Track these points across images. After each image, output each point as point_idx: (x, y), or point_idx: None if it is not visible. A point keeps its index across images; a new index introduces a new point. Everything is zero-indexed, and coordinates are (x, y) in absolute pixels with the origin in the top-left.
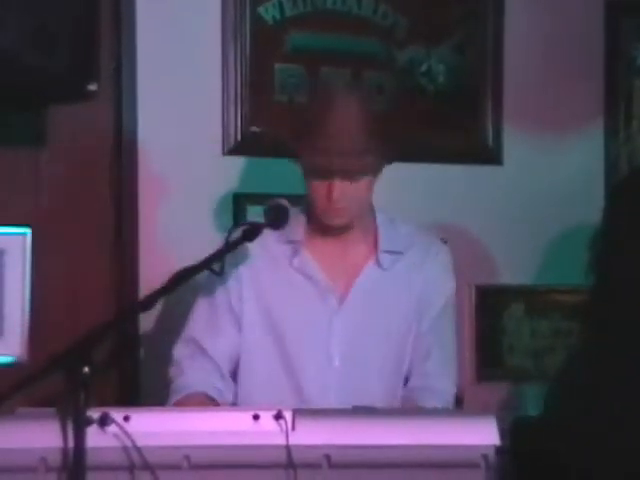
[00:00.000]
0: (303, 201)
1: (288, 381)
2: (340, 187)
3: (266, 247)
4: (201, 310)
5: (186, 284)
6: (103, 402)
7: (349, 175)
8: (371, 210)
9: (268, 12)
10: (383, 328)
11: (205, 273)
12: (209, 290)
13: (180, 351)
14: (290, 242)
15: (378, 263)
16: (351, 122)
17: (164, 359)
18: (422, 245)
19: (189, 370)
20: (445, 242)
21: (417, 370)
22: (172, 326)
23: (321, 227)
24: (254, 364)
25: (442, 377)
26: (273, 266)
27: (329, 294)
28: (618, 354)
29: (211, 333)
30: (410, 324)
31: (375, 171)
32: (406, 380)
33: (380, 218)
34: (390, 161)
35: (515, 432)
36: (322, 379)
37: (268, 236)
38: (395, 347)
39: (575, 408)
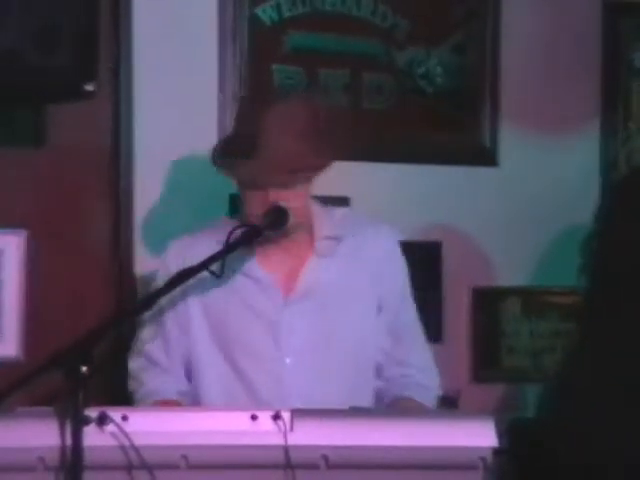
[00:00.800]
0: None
1: (241, 384)
2: (275, 195)
3: (205, 255)
4: (148, 327)
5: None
6: (100, 402)
7: (283, 186)
8: (307, 205)
9: (266, 13)
10: (337, 317)
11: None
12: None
13: (135, 364)
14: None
15: (318, 252)
16: (284, 127)
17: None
18: (361, 226)
19: (148, 381)
20: (440, 243)
21: (391, 358)
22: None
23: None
24: (204, 371)
25: (420, 366)
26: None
27: (272, 291)
28: (615, 353)
29: (161, 350)
30: (367, 307)
31: (309, 178)
32: (380, 369)
33: (315, 208)
34: (327, 165)
35: (513, 433)
36: (275, 378)
37: (205, 245)
38: (354, 335)
39: (572, 408)
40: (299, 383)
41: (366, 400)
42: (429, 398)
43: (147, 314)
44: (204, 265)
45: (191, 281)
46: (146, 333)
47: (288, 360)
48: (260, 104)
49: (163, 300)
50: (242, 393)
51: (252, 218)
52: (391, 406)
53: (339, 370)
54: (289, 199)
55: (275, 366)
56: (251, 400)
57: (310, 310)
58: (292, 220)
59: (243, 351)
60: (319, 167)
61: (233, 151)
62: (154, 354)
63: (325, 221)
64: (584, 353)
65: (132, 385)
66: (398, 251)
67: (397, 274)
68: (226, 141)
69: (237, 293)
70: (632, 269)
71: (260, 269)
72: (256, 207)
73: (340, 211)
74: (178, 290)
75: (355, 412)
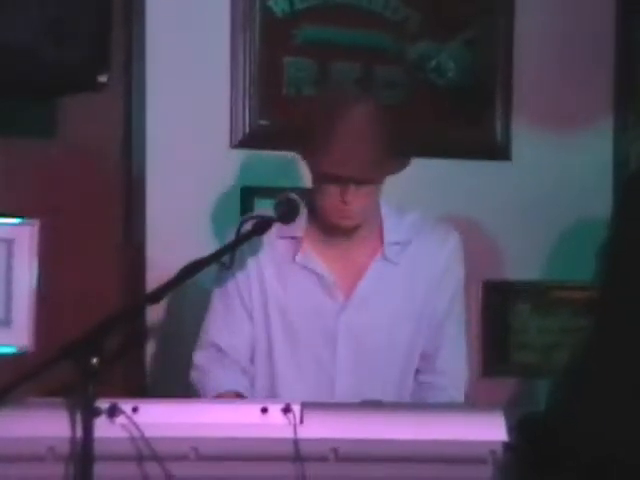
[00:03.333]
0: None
1: (295, 375)
2: (353, 192)
3: (269, 243)
4: (216, 312)
5: (194, 278)
6: (110, 393)
7: (363, 182)
8: (377, 205)
9: (278, 5)
10: (392, 324)
11: (216, 273)
12: (222, 291)
13: (201, 356)
14: (292, 237)
15: (385, 256)
16: (365, 130)
17: (171, 352)
18: (429, 233)
19: (215, 372)
20: None
21: (427, 366)
22: (180, 319)
23: (325, 225)
24: (263, 359)
25: (451, 374)
26: (276, 262)
27: (335, 289)
28: (627, 352)
29: (229, 334)
30: (420, 316)
31: (386, 178)
32: (416, 371)
33: (385, 210)
34: (401, 168)
35: (523, 428)
36: (328, 374)
37: (270, 231)
38: (404, 342)
39: (583, 405)
40: (352, 383)
41: (404, 394)
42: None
43: (215, 306)
44: (214, 257)
45: (254, 270)
46: (216, 324)
47: (341, 364)
48: (339, 101)
49: (231, 287)
50: (297, 385)
51: (326, 212)
52: None
53: (386, 373)
54: (363, 196)
55: (329, 363)
56: (303, 392)
57: (368, 314)
58: (343, 222)
59: (298, 349)
60: (396, 170)
61: (318, 144)
62: (224, 343)
63: (396, 225)
64: (597, 350)
65: (196, 376)
66: (459, 263)
67: (452, 287)
68: (306, 137)
69: (297, 286)
70: None
71: (324, 267)
72: (332, 201)
73: (410, 215)
74: (241, 275)
75: (365, 405)
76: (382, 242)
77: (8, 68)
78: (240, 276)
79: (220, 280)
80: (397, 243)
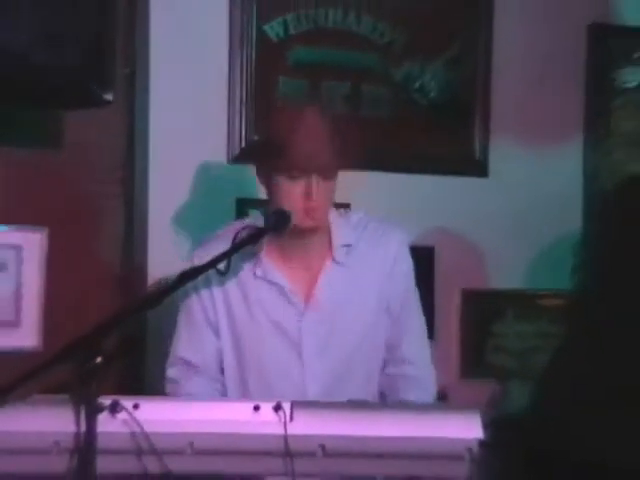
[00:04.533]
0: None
1: (265, 382)
2: (316, 186)
3: (233, 266)
4: (183, 330)
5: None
6: (108, 391)
7: (325, 171)
8: (330, 209)
9: (273, 29)
10: (352, 322)
11: (183, 291)
12: (187, 310)
13: (172, 370)
14: (250, 255)
15: (334, 259)
16: (320, 131)
17: (168, 353)
18: (373, 231)
19: (187, 384)
20: (432, 247)
21: (393, 357)
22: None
23: (283, 236)
24: (234, 369)
25: (419, 364)
26: (238, 280)
27: (294, 297)
28: (605, 351)
29: (195, 349)
30: (378, 311)
31: (339, 171)
32: (384, 364)
33: (332, 214)
34: (350, 166)
35: (500, 427)
36: (296, 378)
37: (223, 248)
38: (366, 338)
39: (559, 407)
40: (321, 384)
41: (373, 395)
42: (428, 396)
43: (181, 324)
44: (211, 264)
45: (216, 286)
46: (181, 339)
47: (307, 365)
48: (294, 113)
49: (195, 307)
50: (262, 391)
51: (275, 209)
52: None
53: (353, 371)
54: (325, 196)
55: (297, 372)
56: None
57: (327, 318)
58: (314, 218)
59: (267, 358)
60: (344, 167)
61: (274, 149)
62: (191, 357)
63: (342, 227)
64: (574, 352)
65: (171, 389)
66: (406, 254)
67: (403, 277)
68: (262, 148)
69: (259, 300)
70: (629, 271)
71: (283, 278)
72: (296, 199)
73: (356, 216)
74: (206, 295)
75: (351, 404)
76: (331, 246)
77: (23, 83)
78: (204, 294)
79: (185, 299)
80: (344, 245)
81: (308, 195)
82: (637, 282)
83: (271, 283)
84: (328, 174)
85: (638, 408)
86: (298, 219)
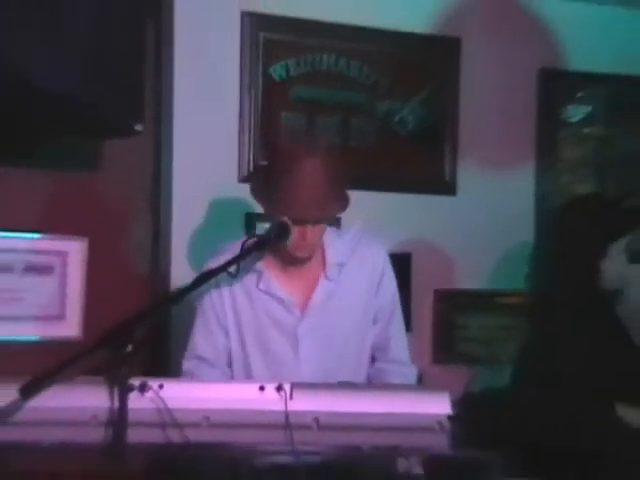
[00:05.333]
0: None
1: (267, 376)
2: (311, 230)
3: (239, 276)
4: (198, 331)
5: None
6: (138, 374)
7: (319, 222)
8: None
9: (276, 72)
10: (341, 329)
11: (199, 296)
12: (202, 314)
13: (189, 365)
14: (255, 271)
15: (327, 276)
16: (317, 179)
17: (185, 342)
18: (363, 251)
19: (200, 376)
20: (410, 254)
21: (382, 356)
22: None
23: (284, 257)
24: (240, 365)
25: (404, 362)
26: (245, 290)
27: (292, 307)
28: (564, 350)
29: (208, 347)
30: (366, 318)
31: (334, 216)
32: (373, 360)
33: (326, 235)
34: (345, 208)
35: (467, 404)
36: (294, 373)
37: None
38: (353, 340)
39: (529, 386)
40: (313, 376)
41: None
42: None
43: (197, 326)
44: (223, 268)
45: (226, 294)
46: (197, 339)
47: (303, 364)
48: (294, 157)
49: (208, 310)
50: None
51: (290, 247)
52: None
53: (343, 367)
54: (317, 233)
55: (294, 368)
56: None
57: (320, 324)
58: (308, 250)
59: (270, 356)
60: (341, 210)
61: (274, 195)
62: (205, 354)
63: (335, 246)
64: (537, 345)
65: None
66: (390, 268)
67: (389, 289)
68: (264, 183)
69: (264, 310)
70: (573, 275)
71: (282, 290)
72: (294, 242)
73: (348, 236)
74: (217, 300)
75: (341, 385)
76: (324, 264)
77: (69, 117)
78: (217, 302)
79: (200, 305)
80: (336, 264)
81: (303, 236)
82: (577, 285)
83: (272, 295)
84: (323, 221)
85: (575, 388)
86: (294, 252)
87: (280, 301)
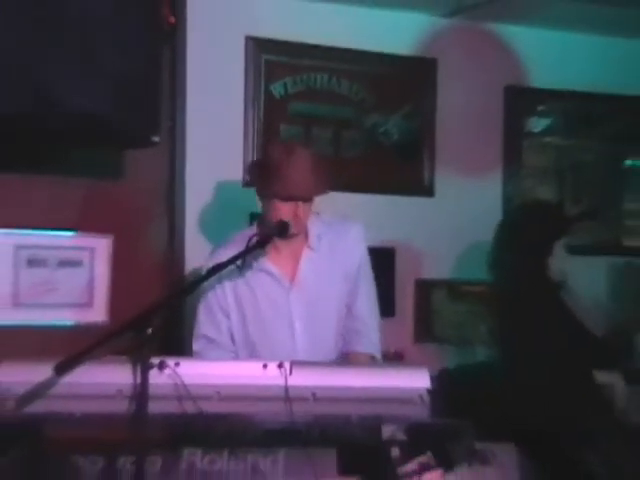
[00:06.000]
0: (257, 223)
1: (266, 343)
2: (302, 207)
3: (246, 263)
4: (203, 314)
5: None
6: (157, 353)
7: (309, 198)
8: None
9: (276, 89)
10: (325, 293)
11: (205, 287)
12: (205, 299)
13: (197, 345)
14: (258, 256)
15: (309, 246)
16: (306, 166)
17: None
18: (338, 225)
19: (208, 354)
20: (394, 249)
21: (348, 313)
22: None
23: (282, 236)
24: (242, 341)
25: (370, 323)
26: (244, 275)
27: (282, 279)
28: (520, 328)
29: (212, 328)
30: (342, 282)
31: (315, 198)
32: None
33: (311, 217)
34: (327, 191)
35: (444, 379)
36: (289, 340)
37: (235, 249)
38: (336, 303)
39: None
40: (306, 340)
41: (339, 342)
42: (372, 346)
43: (201, 310)
44: (230, 261)
45: (226, 279)
46: (201, 321)
47: (297, 325)
48: (286, 149)
49: (210, 297)
50: (265, 351)
51: (277, 221)
52: (346, 358)
53: (327, 326)
54: (306, 211)
55: (288, 331)
56: (271, 355)
57: (306, 291)
58: (299, 226)
59: (268, 328)
60: (322, 192)
61: (267, 179)
62: (209, 333)
63: (315, 224)
64: (502, 327)
65: (197, 358)
66: (361, 240)
67: (358, 254)
68: (259, 171)
69: (258, 285)
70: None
71: (273, 267)
72: (286, 214)
73: (327, 217)
74: (218, 287)
75: (334, 363)
76: (307, 239)
77: (98, 131)
78: (217, 287)
79: (202, 292)
80: (317, 237)
81: (295, 213)
82: (530, 276)
83: (265, 271)
84: (309, 199)
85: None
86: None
87: (271, 275)
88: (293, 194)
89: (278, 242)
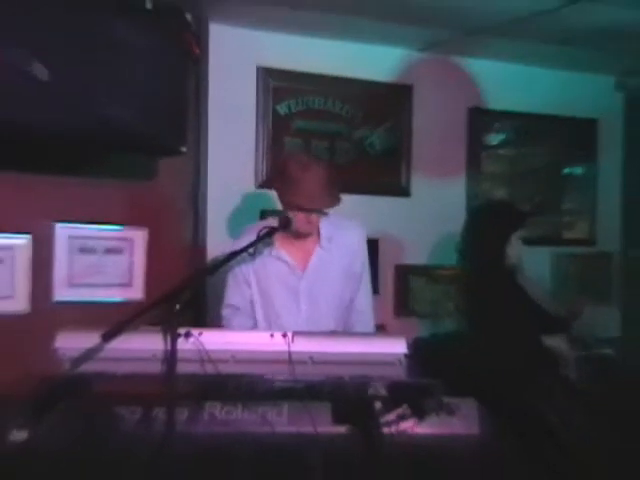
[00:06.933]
0: (274, 218)
1: (277, 316)
2: (314, 217)
3: (258, 249)
4: (231, 287)
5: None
6: (184, 325)
7: (320, 211)
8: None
9: (282, 109)
10: (329, 285)
11: (233, 264)
12: (233, 276)
13: (225, 312)
14: (269, 244)
15: (321, 246)
16: (320, 180)
17: (219, 302)
18: (345, 228)
19: (234, 319)
20: (377, 239)
21: (351, 305)
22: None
23: (291, 234)
24: (261, 310)
25: (367, 314)
26: (261, 259)
27: (294, 268)
28: (483, 304)
29: (237, 298)
30: (346, 276)
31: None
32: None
33: (321, 219)
34: (338, 204)
35: (418, 346)
36: (295, 319)
37: (249, 238)
38: (338, 292)
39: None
40: (309, 319)
41: (341, 324)
42: (368, 330)
43: (229, 283)
44: (244, 249)
45: (249, 262)
46: (229, 292)
47: (303, 308)
48: (304, 166)
49: (237, 273)
50: (275, 326)
51: (298, 228)
52: None
53: (327, 310)
54: (317, 218)
55: (295, 310)
56: (279, 327)
57: (314, 280)
58: (309, 229)
59: (278, 303)
60: (335, 205)
61: (289, 191)
62: (236, 302)
63: (326, 227)
64: (469, 303)
65: (225, 323)
66: (363, 241)
67: (362, 255)
68: (282, 182)
69: (274, 270)
70: (482, 258)
71: (289, 258)
72: (301, 221)
73: (333, 218)
74: (244, 266)
75: (329, 333)
76: (319, 238)
77: (136, 142)
78: (243, 266)
79: (230, 269)
80: (327, 238)
81: (309, 220)
82: (490, 262)
83: (281, 260)
84: (322, 210)
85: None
86: (302, 230)
87: (287, 264)
88: (308, 207)
89: (295, 240)
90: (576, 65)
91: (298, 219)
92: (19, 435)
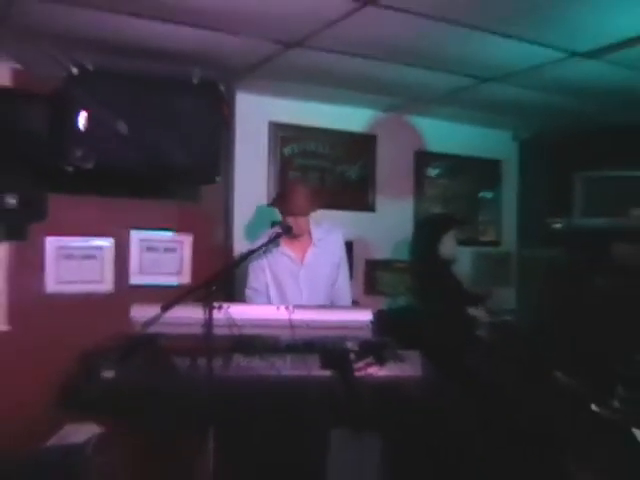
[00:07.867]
0: (280, 226)
1: (282, 298)
2: (301, 219)
3: (269, 248)
4: (251, 275)
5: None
6: (218, 299)
7: (304, 215)
8: (309, 224)
9: (286, 151)
10: (322, 274)
11: (255, 256)
12: (252, 267)
13: (248, 292)
14: (277, 244)
15: (314, 245)
16: (304, 194)
17: (242, 286)
18: (330, 232)
19: (255, 298)
20: (352, 242)
21: (334, 286)
22: (246, 274)
23: (291, 236)
24: (274, 292)
25: (345, 292)
26: (272, 254)
27: (296, 261)
28: (426, 286)
29: (257, 282)
30: (332, 268)
31: (310, 214)
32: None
33: (311, 225)
34: (318, 209)
35: (384, 315)
36: (297, 296)
37: (262, 240)
38: (326, 279)
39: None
40: (307, 297)
41: (328, 300)
42: (347, 304)
43: (250, 272)
44: (259, 248)
45: (264, 258)
46: (251, 277)
47: (304, 291)
48: (292, 185)
49: (256, 266)
50: (283, 302)
51: (292, 230)
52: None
53: (321, 290)
54: (305, 222)
55: (298, 292)
56: (286, 303)
57: (309, 270)
58: (300, 231)
59: (285, 286)
60: (315, 210)
61: (283, 204)
62: (256, 285)
63: (316, 231)
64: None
65: (248, 300)
66: (342, 242)
67: (340, 252)
68: (279, 199)
69: (281, 263)
70: (425, 254)
71: (291, 253)
72: (292, 222)
73: (324, 224)
74: (260, 261)
75: (319, 306)
76: (312, 239)
77: (183, 174)
78: (259, 260)
79: (251, 262)
80: (318, 239)
81: (297, 223)
82: (429, 256)
83: (286, 255)
84: (305, 215)
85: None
86: (296, 232)
87: (290, 258)
88: (294, 212)
89: (295, 240)
90: (486, 123)
91: (289, 221)
92: (108, 373)
